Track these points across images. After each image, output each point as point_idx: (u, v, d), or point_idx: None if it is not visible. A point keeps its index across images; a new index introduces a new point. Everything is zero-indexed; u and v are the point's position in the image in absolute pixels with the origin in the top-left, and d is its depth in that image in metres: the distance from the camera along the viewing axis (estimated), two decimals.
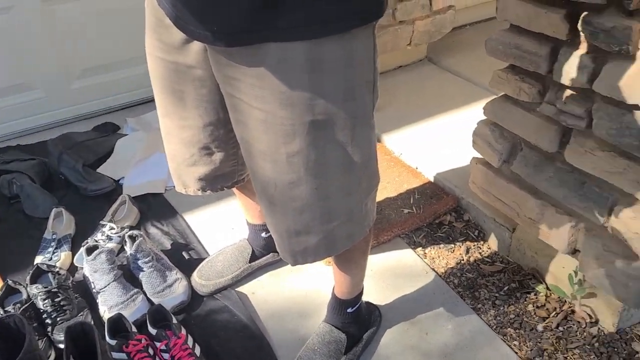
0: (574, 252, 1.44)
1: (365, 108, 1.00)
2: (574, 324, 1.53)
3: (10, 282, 1.54)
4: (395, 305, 1.61)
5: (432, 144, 2.18)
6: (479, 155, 1.66)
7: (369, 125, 1.03)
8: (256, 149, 1.03)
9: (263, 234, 1.66)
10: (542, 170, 1.43)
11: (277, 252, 1.70)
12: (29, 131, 2.39)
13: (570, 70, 1.26)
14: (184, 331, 1.46)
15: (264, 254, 1.71)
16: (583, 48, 1.24)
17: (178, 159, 1.26)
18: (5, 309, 1.46)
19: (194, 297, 1.63)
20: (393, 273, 1.71)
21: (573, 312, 1.56)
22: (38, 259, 1.71)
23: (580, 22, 1.21)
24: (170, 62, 1.09)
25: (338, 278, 1.38)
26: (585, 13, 1.20)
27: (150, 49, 1.13)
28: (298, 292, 1.66)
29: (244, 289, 1.67)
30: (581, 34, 1.22)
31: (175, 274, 1.64)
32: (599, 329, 1.51)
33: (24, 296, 1.50)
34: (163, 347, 1.41)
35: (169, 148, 1.27)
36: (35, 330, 1.43)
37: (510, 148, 1.53)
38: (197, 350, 1.44)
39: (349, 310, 1.44)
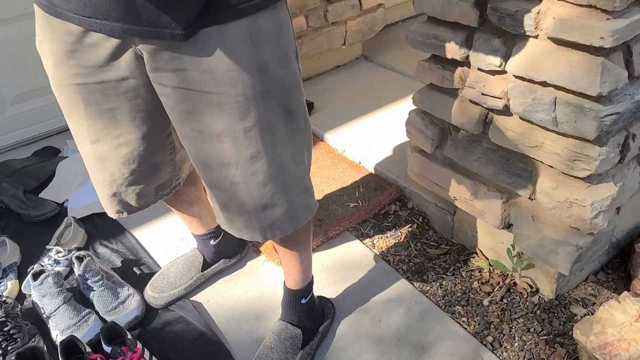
0: (508, 226, 1.52)
1: (296, 73, 1.09)
2: (516, 296, 1.61)
3: None
4: (348, 296, 1.66)
5: (373, 138, 2.24)
6: (413, 144, 1.72)
7: (301, 90, 1.11)
8: (211, 134, 1.06)
9: (211, 242, 1.67)
10: (471, 151, 1.50)
11: (229, 258, 1.75)
12: None
13: (485, 54, 1.33)
14: (139, 345, 1.46)
15: (215, 261, 1.72)
16: (494, 33, 1.31)
17: (118, 181, 1.22)
18: None
19: (149, 311, 1.63)
20: (344, 266, 1.76)
21: (515, 284, 1.64)
22: None
23: (488, 8, 1.28)
24: (94, 83, 1.07)
25: (288, 266, 1.42)
26: (491, 0, 1.27)
27: (62, 81, 1.10)
28: (252, 295, 1.68)
29: (198, 297, 1.68)
30: (490, 19, 1.29)
31: (127, 290, 1.64)
32: (539, 297, 1.59)
33: None
34: None
35: (105, 174, 1.21)
36: None
37: (440, 133, 1.59)
38: None
39: (303, 301, 1.47)
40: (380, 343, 1.51)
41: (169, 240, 1.89)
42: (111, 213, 1.29)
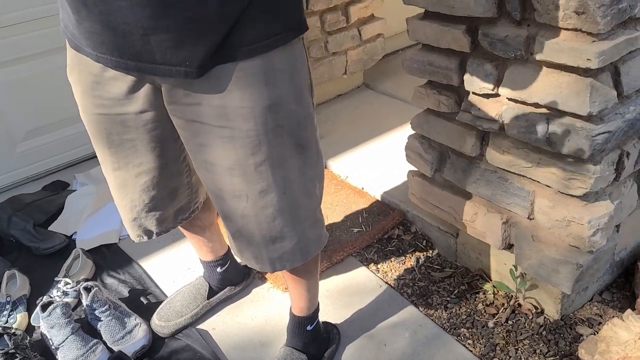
0: (509, 246, 1.53)
1: (310, 108, 1.11)
2: (521, 317, 1.61)
3: None
4: (353, 321, 1.66)
5: (375, 164, 2.27)
6: (414, 168, 1.75)
7: (314, 124, 1.14)
8: (223, 167, 1.09)
9: (218, 269, 1.69)
10: (470, 173, 1.52)
11: (234, 286, 1.76)
12: None
13: (478, 79, 1.37)
14: None
15: (221, 288, 1.74)
16: (486, 57, 1.35)
17: (138, 207, 1.27)
18: None
19: (156, 340, 1.64)
20: (348, 291, 1.77)
21: (519, 305, 1.64)
22: None
23: (479, 34, 1.32)
24: (115, 114, 1.12)
25: (295, 294, 1.43)
26: (482, 26, 1.31)
27: (88, 109, 1.15)
28: (258, 322, 1.69)
29: (204, 325, 1.69)
30: (482, 45, 1.33)
31: (134, 320, 1.65)
32: (544, 318, 1.59)
33: None
34: None
35: (126, 200, 1.26)
36: None
37: (439, 157, 1.62)
38: None
39: (309, 327, 1.48)
40: None
41: (175, 270, 1.91)
42: (133, 237, 1.34)
